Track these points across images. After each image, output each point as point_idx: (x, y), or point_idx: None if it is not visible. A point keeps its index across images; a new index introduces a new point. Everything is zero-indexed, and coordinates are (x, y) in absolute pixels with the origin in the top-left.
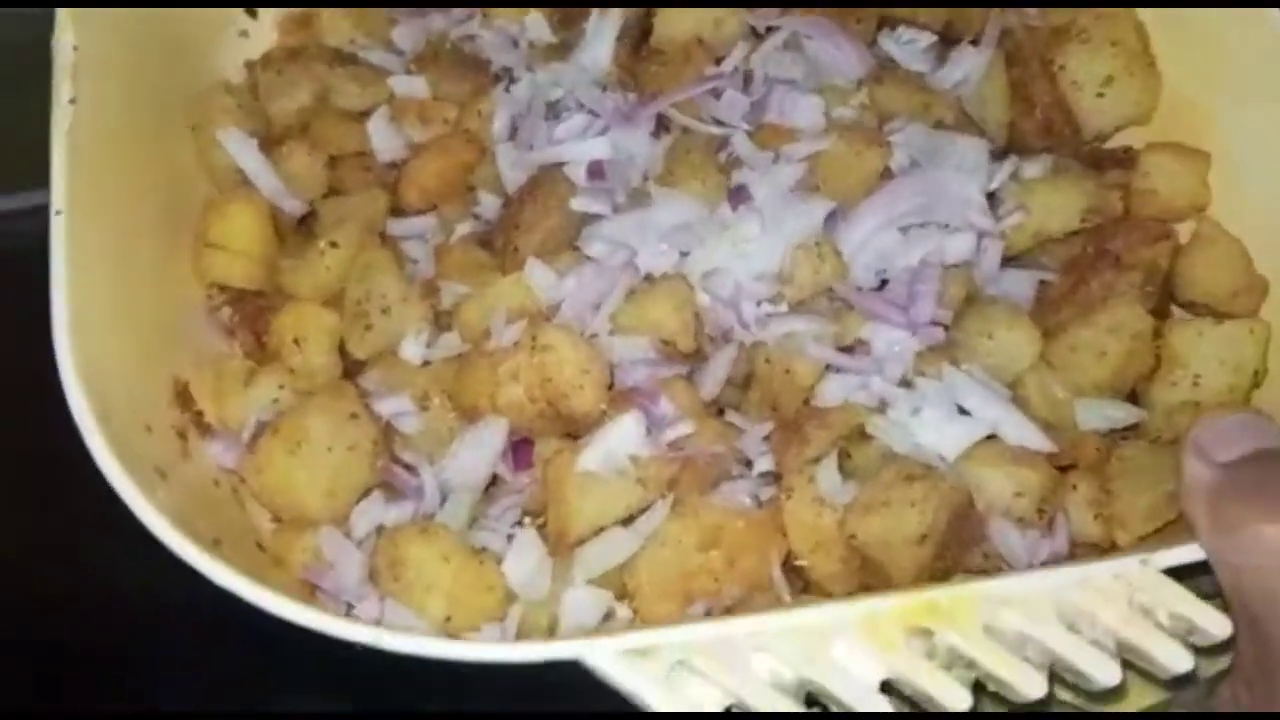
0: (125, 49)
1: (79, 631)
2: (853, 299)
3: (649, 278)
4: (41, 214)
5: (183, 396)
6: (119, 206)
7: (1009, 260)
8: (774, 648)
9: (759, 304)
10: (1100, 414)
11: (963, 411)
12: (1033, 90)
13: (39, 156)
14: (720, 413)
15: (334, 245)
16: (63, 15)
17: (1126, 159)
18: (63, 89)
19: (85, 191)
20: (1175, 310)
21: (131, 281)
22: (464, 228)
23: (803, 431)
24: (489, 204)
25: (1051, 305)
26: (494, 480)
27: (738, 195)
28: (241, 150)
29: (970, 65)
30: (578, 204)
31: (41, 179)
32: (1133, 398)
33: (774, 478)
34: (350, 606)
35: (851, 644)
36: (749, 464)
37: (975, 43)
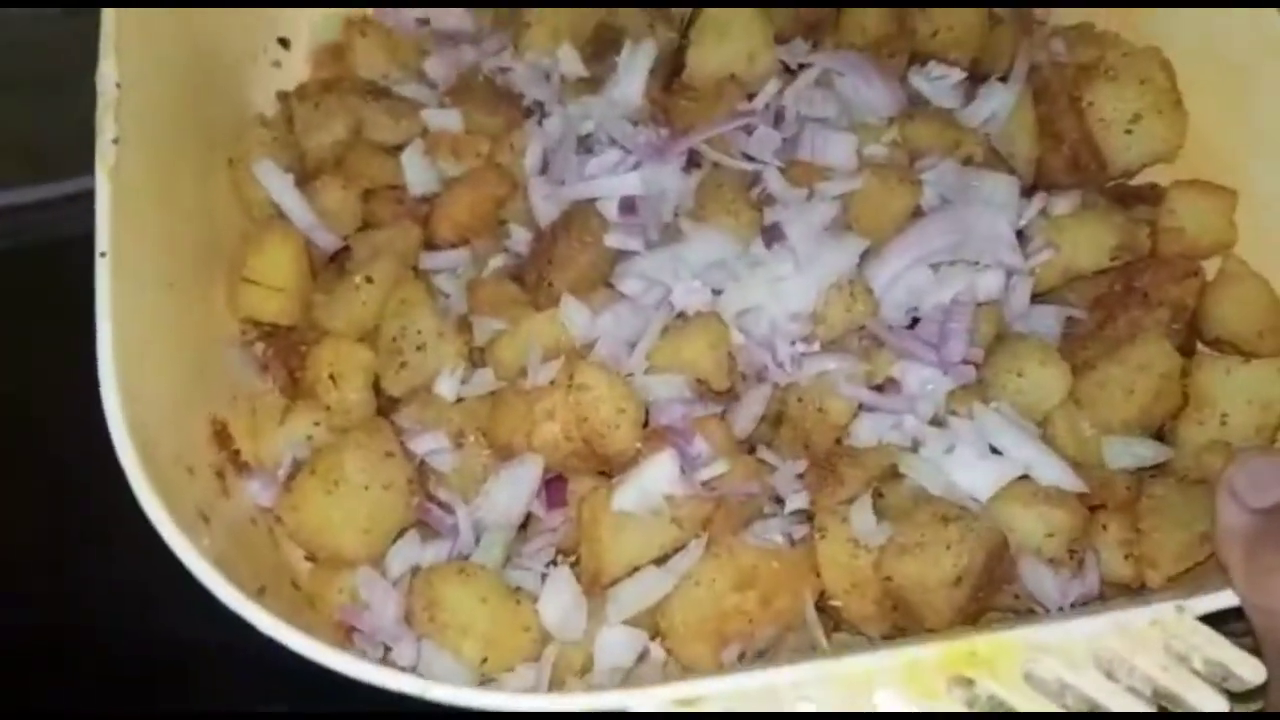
0: (164, 84)
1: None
2: (884, 337)
3: (682, 315)
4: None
5: (220, 436)
6: (159, 245)
7: (1036, 297)
8: (817, 697)
9: (793, 343)
10: (1129, 452)
11: (994, 450)
12: (1060, 127)
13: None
14: (751, 450)
15: (369, 281)
16: (106, 51)
17: (1153, 196)
18: (106, 128)
19: (127, 233)
20: (1201, 348)
21: (171, 320)
22: (496, 261)
23: (837, 471)
24: (520, 237)
25: (1079, 342)
26: (528, 519)
27: (772, 233)
28: (277, 185)
29: (999, 102)
30: (611, 240)
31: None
32: (1159, 436)
33: (806, 516)
34: (387, 649)
35: (894, 693)
36: (781, 502)
37: (1004, 79)
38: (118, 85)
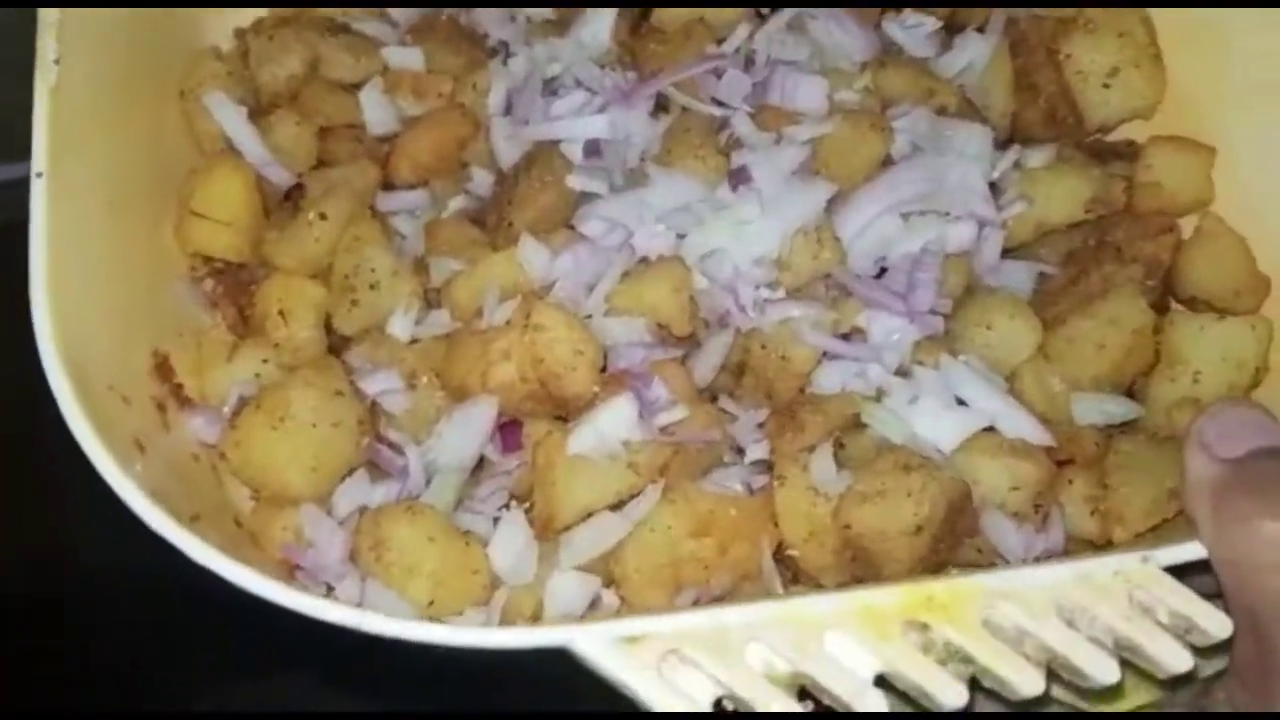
0: (111, 12)
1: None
2: (851, 285)
3: (645, 259)
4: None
5: (162, 368)
6: (102, 172)
7: (1008, 251)
8: (768, 638)
9: (756, 288)
10: (1098, 409)
11: (960, 403)
12: (1037, 79)
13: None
14: (714, 399)
15: (323, 217)
16: None
17: (1129, 152)
18: (47, 48)
19: (68, 155)
20: (1175, 306)
21: (113, 250)
22: (456, 203)
23: (798, 419)
24: (482, 180)
25: (1050, 298)
26: (481, 462)
27: (738, 176)
28: (228, 117)
29: (975, 52)
30: (574, 182)
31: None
32: (1130, 393)
33: (766, 466)
34: (330, 588)
35: (846, 636)
36: (741, 451)
37: (981, 30)
38: (61, 11)
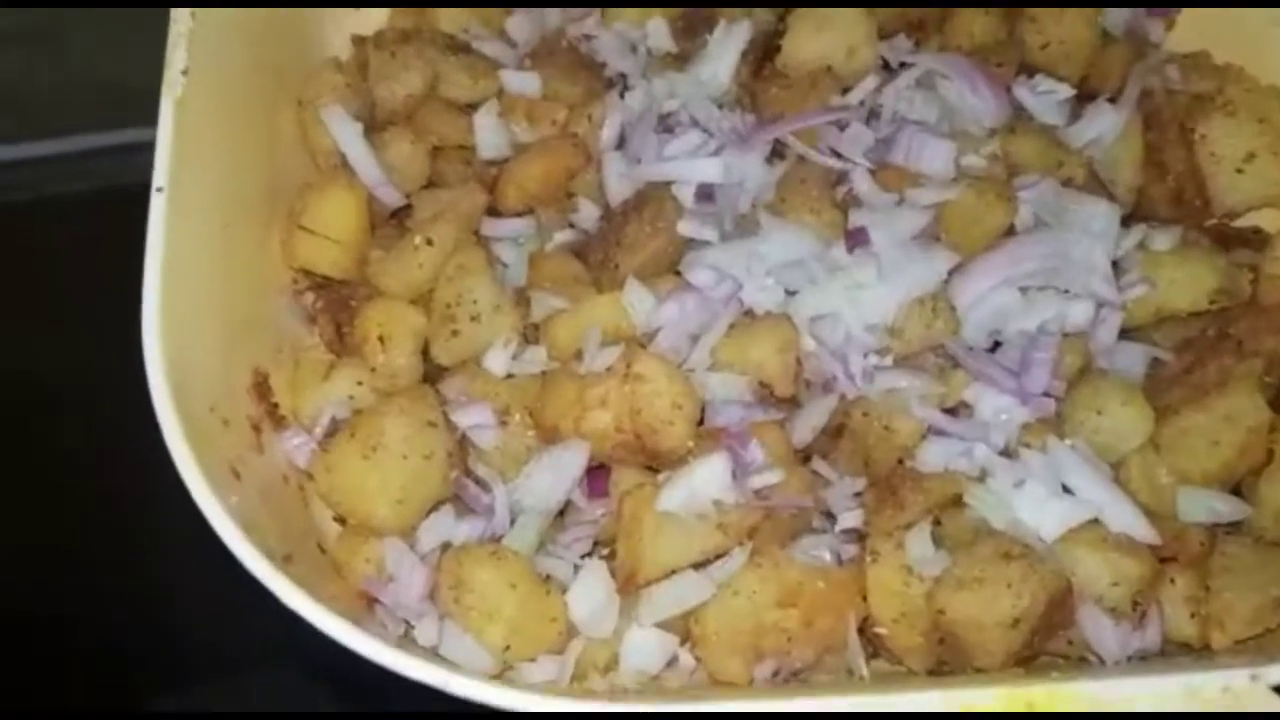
0: (238, 17)
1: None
2: (962, 358)
3: (751, 313)
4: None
5: (260, 387)
6: (219, 188)
7: (1122, 333)
8: None
9: (866, 355)
10: (1205, 506)
11: (1066, 490)
12: (1167, 157)
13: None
14: (806, 458)
15: (429, 243)
16: None
17: (1256, 240)
18: (176, 58)
19: (188, 168)
20: None
21: (223, 266)
22: (561, 236)
23: (899, 496)
24: (588, 213)
25: (1163, 385)
26: (566, 506)
27: (856, 237)
28: (346, 133)
29: (1107, 123)
30: (685, 228)
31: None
32: (1238, 490)
33: (857, 535)
34: (408, 624)
35: None
36: (831, 517)
37: (1112, 100)
38: (192, 14)
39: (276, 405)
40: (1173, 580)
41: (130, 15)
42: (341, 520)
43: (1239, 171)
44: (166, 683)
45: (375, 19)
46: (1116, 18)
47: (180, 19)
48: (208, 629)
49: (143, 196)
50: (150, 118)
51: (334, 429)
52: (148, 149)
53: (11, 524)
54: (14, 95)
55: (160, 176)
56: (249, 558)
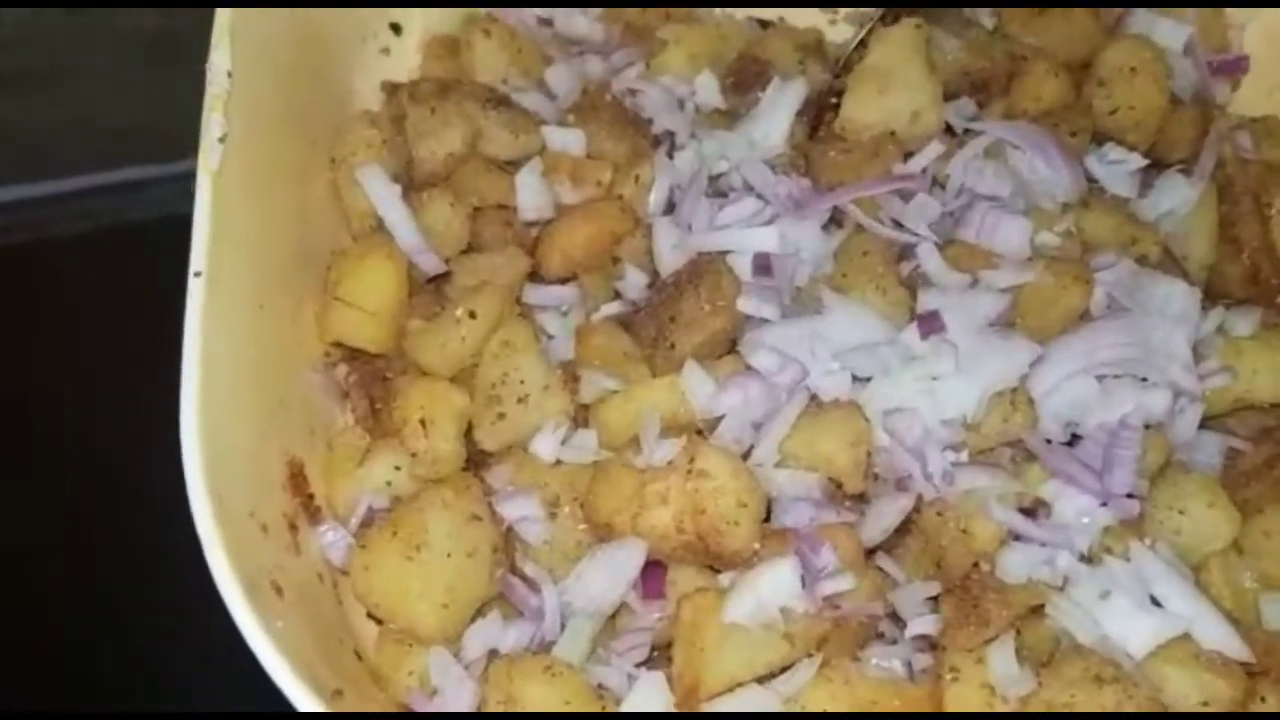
0: (273, 73)
1: None
2: (1040, 452)
3: (816, 398)
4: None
5: (296, 479)
6: (255, 259)
7: (1199, 423)
8: None
9: (943, 451)
10: None
11: (1153, 600)
12: (1240, 231)
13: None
14: (870, 553)
15: (471, 316)
16: (220, 35)
17: None
18: (213, 124)
19: (225, 247)
20: None
21: (258, 347)
22: (609, 308)
23: (980, 609)
24: (636, 281)
25: (1241, 478)
26: (619, 607)
27: (929, 322)
28: (384, 196)
29: (1180, 197)
30: (744, 305)
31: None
32: None
33: (928, 643)
34: None
35: None
36: (898, 619)
37: (1184, 171)
38: (229, 74)
39: (312, 497)
40: (1264, 699)
41: (130, 51)
42: (377, 620)
43: None
44: None
45: (408, 65)
46: (1184, 80)
47: (216, 78)
48: None
49: (140, 234)
50: (148, 154)
51: (370, 518)
52: (148, 186)
53: None
54: (12, 135)
55: (199, 259)
56: (300, 697)
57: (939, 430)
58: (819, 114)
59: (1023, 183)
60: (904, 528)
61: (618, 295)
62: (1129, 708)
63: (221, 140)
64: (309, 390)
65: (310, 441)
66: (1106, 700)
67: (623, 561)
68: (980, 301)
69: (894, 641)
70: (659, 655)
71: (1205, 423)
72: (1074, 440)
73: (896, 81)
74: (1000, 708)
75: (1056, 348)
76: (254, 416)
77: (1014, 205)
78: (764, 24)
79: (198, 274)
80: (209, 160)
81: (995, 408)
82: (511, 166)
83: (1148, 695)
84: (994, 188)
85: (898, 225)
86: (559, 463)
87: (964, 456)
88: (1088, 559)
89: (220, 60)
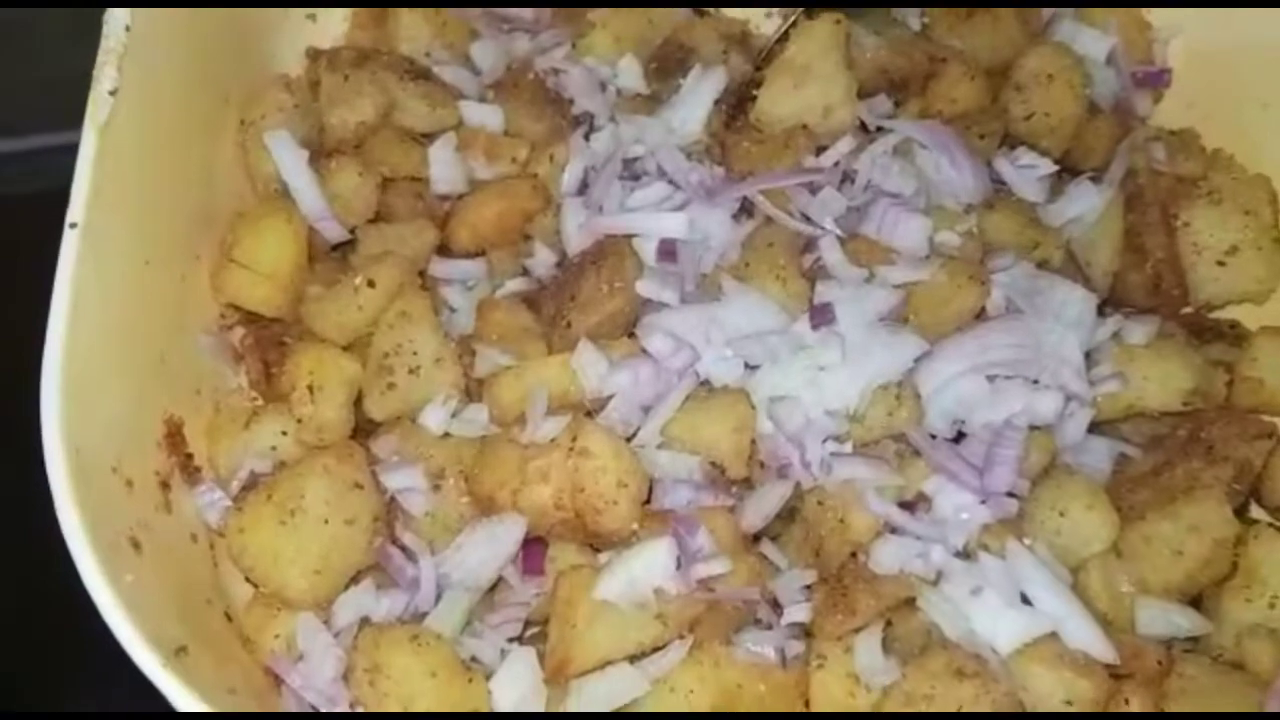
0: (180, 29)
1: None
2: (924, 448)
3: (707, 384)
4: None
5: (173, 438)
6: (145, 217)
7: (1090, 426)
8: None
9: (824, 441)
10: (1164, 619)
11: (1024, 598)
12: (1147, 241)
13: None
14: (755, 539)
15: (371, 285)
16: None
17: (1232, 334)
18: (104, 77)
19: (108, 202)
20: (1259, 514)
21: (141, 305)
22: (516, 284)
23: (849, 598)
24: (543, 259)
25: (1129, 484)
26: (496, 581)
27: (821, 314)
28: (289, 161)
29: (1087, 204)
30: (644, 288)
31: None
32: (1197, 602)
33: (803, 630)
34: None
35: None
36: (776, 605)
37: (1094, 178)
38: (127, 29)
39: (190, 456)
40: (1128, 700)
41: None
42: (254, 583)
43: (1220, 264)
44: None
45: (334, 32)
46: (1104, 89)
47: (113, 31)
48: None
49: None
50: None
51: (252, 483)
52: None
53: None
54: None
55: (76, 211)
56: (138, 652)
57: (821, 420)
58: (739, 104)
59: (927, 182)
60: (789, 516)
61: (526, 272)
62: (985, 703)
63: (112, 94)
64: (200, 353)
65: (195, 402)
66: (964, 695)
67: (502, 536)
68: (873, 296)
69: (770, 627)
70: (540, 631)
71: (1098, 428)
72: (960, 437)
73: (812, 76)
74: (862, 697)
75: (948, 345)
76: (128, 372)
77: (915, 203)
78: (701, 12)
79: (73, 225)
80: (97, 113)
81: (880, 401)
82: (427, 139)
83: (1005, 691)
84: (898, 185)
85: (805, 218)
86: (447, 435)
87: (847, 447)
88: (965, 555)
89: (120, 14)
